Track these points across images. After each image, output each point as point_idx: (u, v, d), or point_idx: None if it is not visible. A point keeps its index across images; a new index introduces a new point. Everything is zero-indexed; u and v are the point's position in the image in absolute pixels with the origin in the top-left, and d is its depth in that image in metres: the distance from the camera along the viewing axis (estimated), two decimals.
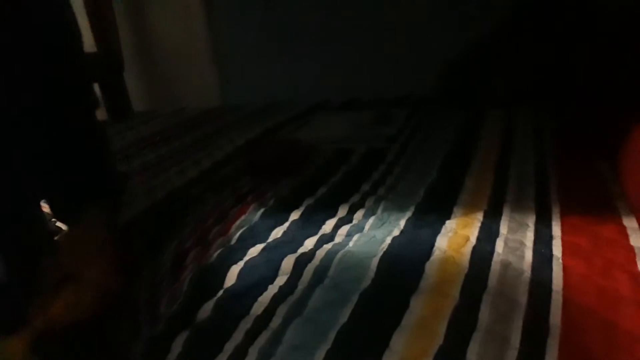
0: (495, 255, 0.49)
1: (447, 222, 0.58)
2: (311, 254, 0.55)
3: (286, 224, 0.64)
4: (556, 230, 0.54)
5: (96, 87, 1.56)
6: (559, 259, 0.48)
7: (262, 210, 0.69)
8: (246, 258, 0.57)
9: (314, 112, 1.32)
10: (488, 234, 0.54)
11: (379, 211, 0.65)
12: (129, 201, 0.81)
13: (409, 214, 0.62)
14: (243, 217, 0.68)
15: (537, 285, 0.43)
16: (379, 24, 1.50)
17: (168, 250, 0.65)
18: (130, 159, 1.07)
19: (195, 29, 1.72)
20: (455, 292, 0.43)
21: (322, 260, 0.53)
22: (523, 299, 0.42)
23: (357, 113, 1.22)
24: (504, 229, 0.55)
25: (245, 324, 0.46)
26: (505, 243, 0.52)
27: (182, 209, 0.74)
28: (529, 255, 0.49)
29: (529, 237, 0.53)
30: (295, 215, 0.67)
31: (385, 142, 0.96)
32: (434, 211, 0.62)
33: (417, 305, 0.42)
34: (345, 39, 1.55)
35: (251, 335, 0.44)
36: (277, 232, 0.62)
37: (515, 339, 0.37)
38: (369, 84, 1.53)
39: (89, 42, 1.59)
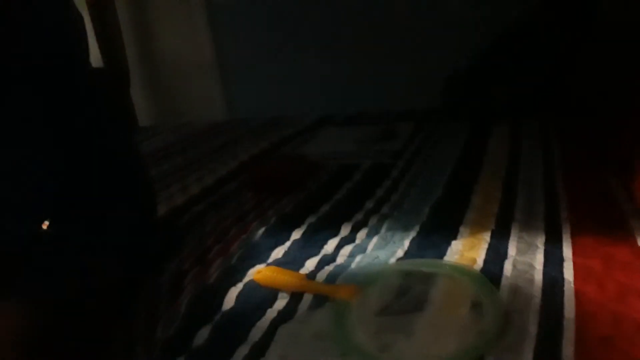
0: (503, 279, 0.47)
1: (453, 242, 0.56)
2: (312, 275, 0.53)
3: (287, 244, 0.63)
4: (567, 251, 0.52)
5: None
6: (570, 283, 0.45)
7: (263, 228, 0.68)
8: (245, 280, 0.55)
9: (319, 127, 1.31)
10: (496, 256, 0.52)
11: (383, 230, 0.63)
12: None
13: (413, 233, 0.60)
14: (244, 236, 0.67)
15: (548, 313, 0.41)
16: (383, 38, 1.50)
17: (167, 270, 0.63)
18: None
19: (200, 43, 1.72)
20: None
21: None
22: (533, 328, 0.40)
23: (362, 128, 1.21)
24: (512, 250, 0.53)
25: (242, 351, 0.44)
26: (514, 266, 0.49)
27: (184, 227, 0.73)
28: (538, 278, 0.47)
29: (539, 259, 0.50)
30: (296, 235, 0.65)
31: (390, 157, 0.95)
32: (439, 231, 0.60)
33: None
34: (351, 52, 1.55)
35: None
36: (278, 252, 0.61)
37: None
38: (374, 97, 1.53)
39: (96, 57, 1.61)
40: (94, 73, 1.53)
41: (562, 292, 0.44)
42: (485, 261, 0.51)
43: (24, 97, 0.48)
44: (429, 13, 1.43)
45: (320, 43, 1.58)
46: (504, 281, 0.47)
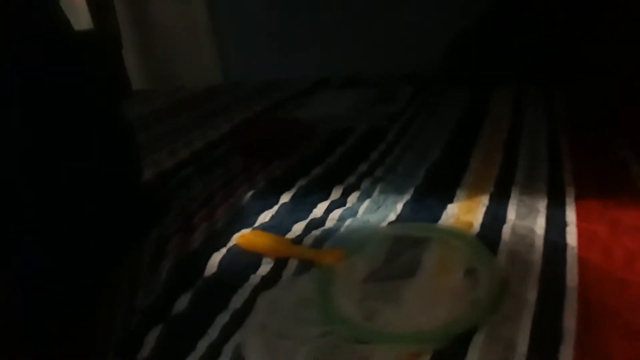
0: (501, 244, 0.44)
1: (449, 206, 0.53)
2: (298, 240, 0.51)
3: (275, 207, 0.60)
4: (571, 215, 0.48)
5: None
6: (574, 249, 0.42)
7: (251, 192, 0.65)
8: (230, 244, 0.53)
9: (315, 90, 1.26)
10: (494, 220, 0.49)
11: (375, 194, 0.59)
12: None
13: (407, 197, 0.57)
14: (231, 200, 0.64)
15: (549, 281, 0.38)
16: (384, 1, 1.43)
17: (151, 236, 0.61)
18: None
19: (194, 6, 1.66)
20: None
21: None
22: (532, 296, 0.37)
23: (359, 91, 1.16)
24: (511, 214, 0.50)
25: (222, 319, 0.42)
26: (513, 230, 0.46)
27: (170, 192, 0.70)
28: (539, 244, 0.43)
29: (540, 223, 0.47)
30: (285, 198, 0.62)
31: (387, 120, 0.91)
32: (434, 194, 0.57)
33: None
34: (348, 14, 1.49)
35: (227, 332, 0.40)
36: (265, 216, 0.58)
37: (523, 344, 0.32)
38: (373, 61, 1.47)
39: (86, 20, 1.55)
40: (81, 34, 1.49)
41: (564, 258, 0.41)
42: (483, 225, 0.48)
43: None
44: None
45: (316, 6, 1.51)
46: (501, 246, 0.44)
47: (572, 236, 0.45)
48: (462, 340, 0.33)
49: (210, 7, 1.65)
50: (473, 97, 0.99)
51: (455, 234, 0.45)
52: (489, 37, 1.12)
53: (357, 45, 1.50)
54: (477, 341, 0.33)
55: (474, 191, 0.56)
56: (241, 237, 0.51)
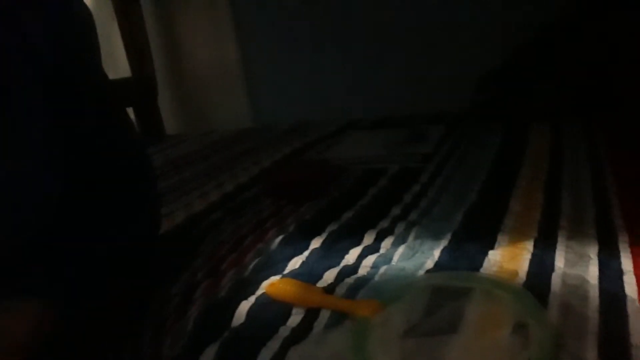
0: (551, 296, 0.40)
1: (490, 253, 0.50)
2: (330, 289, 0.48)
3: (305, 253, 0.58)
4: (626, 263, 0.45)
5: (131, 111, 1.58)
6: (634, 301, 0.38)
7: (281, 237, 0.63)
8: (258, 293, 0.51)
9: (345, 131, 1.26)
10: (541, 269, 0.45)
11: (410, 239, 0.57)
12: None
13: (444, 242, 0.54)
14: (260, 245, 0.62)
15: (609, 339, 0.34)
16: (412, 40, 1.44)
17: (179, 281, 0.59)
18: None
19: (226, 51, 1.72)
20: None
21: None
22: (591, 356, 0.33)
23: (389, 131, 1.15)
24: (560, 261, 0.46)
25: None
26: (563, 280, 0.43)
27: (200, 236, 0.69)
28: (594, 295, 0.40)
29: (593, 272, 0.43)
30: (316, 243, 0.60)
31: (420, 161, 0.89)
32: (474, 240, 0.53)
33: None
34: (378, 56, 1.50)
35: None
36: (295, 263, 0.56)
37: None
38: (403, 102, 1.47)
39: (124, 67, 1.62)
40: (119, 82, 1.55)
41: (624, 312, 0.37)
42: (529, 274, 0.44)
43: (24, 95, 0.45)
44: (459, 11, 1.36)
45: (346, 47, 1.54)
46: (552, 298, 0.40)
47: (630, 286, 0.41)
48: None
49: (242, 53, 1.70)
50: (508, 135, 0.96)
51: (501, 285, 0.41)
52: (522, 72, 1.10)
53: (386, 86, 1.51)
54: None
55: (517, 236, 0.53)
56: (270, 285, 0.49)
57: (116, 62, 1.68)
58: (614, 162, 0.73)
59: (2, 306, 0.42)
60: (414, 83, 1.45)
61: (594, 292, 0.40)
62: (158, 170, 1.13)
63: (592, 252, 0.47)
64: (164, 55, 1.79)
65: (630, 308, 0.38)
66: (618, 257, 0.46)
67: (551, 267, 0.45)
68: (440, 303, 0.40)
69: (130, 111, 1.59)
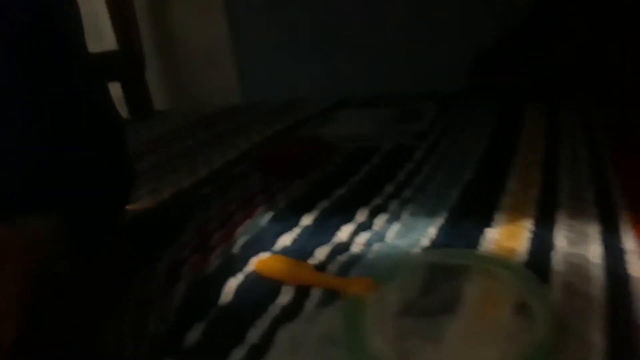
0: (553, 275, 0.39)
1: (488, 230, 0.48)
2: (322, 266, 0.46)
3: (296, 230, 0.55)
4: (628, 242, 0.43)
5: (118, 86, 1.53)
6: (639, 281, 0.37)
7: (270, 213, 0.61)
8: (247, 270, 0.49)
9: (337, 109, 1.23)
10: (541, 247, 0.43)
11: (405, 216, 0.55)
12: (132, 201, 0.75)
13: (440, 220, 0.52)
14: (249, 221, 0.60)
15: (617, 320, 0.33)
16: (405, 17, 1.40)
17: (164, 257, 0.57)
18: (140, 158, 1.00)
19: (216, 27, 1.67)
20: None
21: None
22: (598, 338, 0.31)
23: (382, 109, 1.13)
24: (560, 240, 0.45)
25: (238, 354, 0.37)
26: (565, 259, 0.41)
27: (186, 211, 0.67)
28: (598, 275, 0.38)
29: (595, 251, 0.42)
30: (307, 220, 0.58)
31: (414, 138, 0.86)
32: (471, 217, 0.52)
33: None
34: (370, 33, 1.47)
35: None
36: (286, 239, 0.54)
37: None
38: (396, 80, 1.44)
39: (110, 41, 1.57)
40: (105, 55, 1.50)
41: (630, 292, 0.36)
42: (529, 252, 0.43)
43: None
44: None
45: (339, 24, 1.50)
46: (553, 277, 0.38)
47: (634, 266, 0.39)
48: None
49: (232, 28, 1.65)
50: (503, 114, 0.94)
51: (500, 263, 0.40)
52: (517, 51, 1.08)
53: (378, 65, 1.48)
54: None
55: (515, 214, 0.51)
56: (260, 262, 0.47)
57: (101, 34, 1.62)
58: (612, 141, 0.71)
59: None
60: (407, 61, 1.42)
61: (597, 272, 0.39)
62: (145, 146, 1.10)
63: (594, 231, 0.46)
64: (152, 28, 1.73)
65: (636, 288, 0.36)
66: (620, 237, 0.44)
67: (551, 246, 0.44)
68: (437, 281, 0.38)
69: (117, 85, 1.54)
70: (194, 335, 0.41)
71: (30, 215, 0.43)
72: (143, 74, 1.61)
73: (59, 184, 0.48)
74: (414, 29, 1.40)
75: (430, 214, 0.54)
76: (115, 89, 1.53)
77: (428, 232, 0.50)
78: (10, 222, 0.38)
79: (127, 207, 0.73)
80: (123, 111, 1.56)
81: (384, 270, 0.41)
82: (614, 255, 0.41)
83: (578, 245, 0.43)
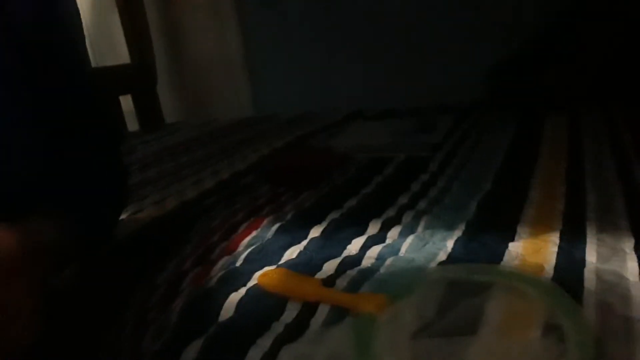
0: (586, 293, 0.35)
1: (511, 245, 0.44)
2: (330, 281, 0.43)
3: (304, 242, 0.52)
4: None
5: (129, 99, 1.54)
6: None
7: (277, 224, 0.58)
8: (250, 284, 0.45)
9: (349, 121, 1.21)
10: (570, 263, 0.40)
11: (420, 229, 0.51)
12: (135, 212, 0.73)
13: (458, 233, 0.49)
14: (254, 233, 0.57)
15: None
16: (419, 29, 1.38)
17: (165, 270, 0.54)
18: (146, 167, 0.99)
19: (228, 40, 1.67)
20: None
21: None
22: None
23: (395, 121, 1.10)
24: (591, 256, 0.41)
25: None
26: (598, 276, 0.37)
27: (190, 222, 0.64)
28: (637, 294, 0.34)
29: (632, 268, 0.38)
30: (315, 232, 0.55)
31: (428, 150, 0.83)
32: (491, 231, 0.48)
33: None
34: (384, 46, 1.45)
35: None
36: (292, 252, 0.51)
37: None
38: (410, 93, 1.41)
39: (123, 54, 1.57)
40: (118, 69, 1.51)
41: None
42: (557, 269, 0.39)
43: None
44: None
45: (351, 37, 1.48)
46: (586, 296, 0.35)
47: None
48: None
49: (245, 41, 1.65)
50: (522, 124, 0.91)
51: (527, 279, 0.36)
52: (537, 61, 1.04)
53: (392, 77, 1.45)
54: None
55: (539, 227, 0.47)
56: (263, 275, 0.44)
57: (115, 48, 1.63)
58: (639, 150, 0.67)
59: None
60: (422, 73, 1.39)
61: (635, 291, 0.35)
62: (153, 157, 1.09)
63: (628, 246, 0.42)
64: (165, 42, 1.74)
65: None
66: None
67: (582, 262, 0.40)
68: (457, 299, 0.34)
69: (128, 98, 1.54)
70: (191, 352, 0.38)
71: (33, 216, 0.41)
72: (154, 87, 1.62)
73: (57, 184, 0.46)
74: (428, 41, 1.38)
75: (448, 226, 0.51)
76: (126, 101, 1.53)
77: (445, 245, 0.46)
78: (16, 224, 0.36)
79: (132, 216, 0.71)
80: (134, 123, 1.56)
81: (398, 286, 0.37)
82: None
83: (611, 261, 0.39)
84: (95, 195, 0.52)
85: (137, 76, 1.57)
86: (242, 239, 0.56)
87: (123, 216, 0.69)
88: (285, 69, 1.62)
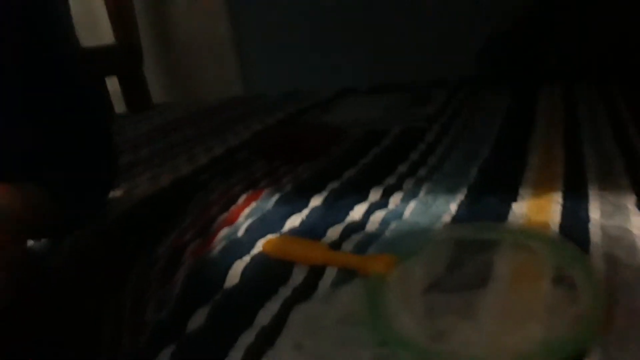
0: (592, 246, 0.35)
1: (514, 205, 0.44)
2: (336, 246, 0.43)
3: (305, 211, 0.52)
4: None
5: (115, 80, 1.50)
6: None
7: (277, 196, 0.57)
8: (254, 252, 0.45)
9: (342, 97, 1.20)
10: (575, 220, 0.40)
11: (422, 194, 0.51)
12: (130, 189, 0.71)
13: (460, 197, 0.49)
14: (254, 204, 0.56)
15: None
16: (410, 6, 1.37)
17: (165, 243, 0.54)
18: (138, 147, 0.97)
19: (215, 17, 1.63)
20: None
21: None
22: None
23: (389, 96, 1.09)
24: (595, 212, 0.41)
25: (247, 338, 0.34)
26: (603, 231, 0.37)
27: (187, 196, 0.64)
28: None
29: (636, 222, 0.38)
30: (316, 201, 0.54)
31: (424, 121, 0.83)
32: (493, 193, 0.48)
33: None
34: (374, 21, 1.43)
35: (253, 354, 0.32)
36: (294, 221, 0.50)
37: None
38: (402, 71, 1.40)
39: (107, 35, 1.53)
40: (102, 49, 1.47)
41: None
42: (562, 226, 0.39)
43: None
44: None
45: (342, 14, 1.46)
46: (593, 250, 0.35)
47: None
48: None
49: (233, 19, 1.62)
50: (517, 96, 0.91)
51: (534, 234, 0.36)
52: (529, 35, 1.04)
53: (382, 54, 1.44)
54: None
55: (541, 189, 0.47)
56: (267, 242, 0.44)
57: (99, 29, 1.59)
58: (636, 116, 0.68)
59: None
60: (414, 49, 1.38)
61: None
62: (144, 136, 1.07)
63: (630, 202, 0.42)
64: (150, 21, 1.70)
65: None
66: None
67: (586, 219, 0.40)
68: (465, 257, 0.34)
69: (114, 80, 1.51)
70: (197, 320, 0.37)
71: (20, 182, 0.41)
72: (140, 68, 1.58)
73: (44, 158, 0.45)
74: (419, 18, 1.37)
75: (450, 191, 0.51)
76: (112, 83, 1.50)
77: (449, 208, 0.46)
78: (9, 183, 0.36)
79: (127, 193, 0.70)
80: (120, 105, 1.53)
81: (405, 247, 0.37)
82: None
83: (615, 217, 0.40)
84: (84, 169, 0.51)
85: (123, 57, 1.54)
86: (242, 210, 0.56)
87: (117, 193, 0.68)
88: (274, 47, 1.60)
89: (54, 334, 0.42)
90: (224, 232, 0.51)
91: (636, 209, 0.41)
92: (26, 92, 0.45)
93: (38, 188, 0.42)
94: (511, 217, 0.42)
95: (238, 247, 0.47)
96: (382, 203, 0.51)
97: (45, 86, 0.47)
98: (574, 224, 0.39)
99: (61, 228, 0.50)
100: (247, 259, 0.44)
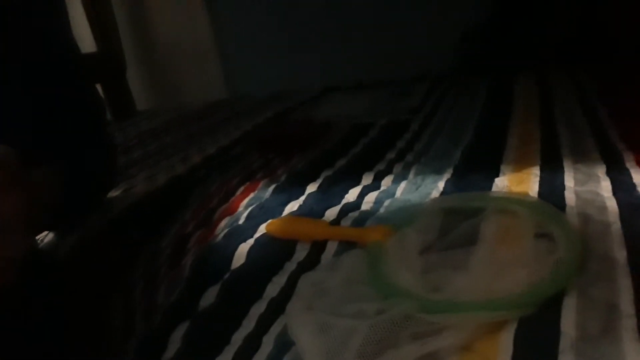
0: (568, 209, 0.39)
1: (497, 179, 0.48)
2: (335, 224, 0.46)
3: (302, 197, 0.55)
4: (637, 177, 0.44)
5: (99, 88, 1.51)
6: None
7: (273, 185, 0.60)
8: (257, 235, 0.48)
9: (326, 95, 1.23)
10: (552, 188, 0.44)
11: (411, 176, 0.55)
12: (128, 188, 0.73)
13: (447, 175, 0.52)
14: (252, 195, 0.59)
15: (636, 237, 0.33)
16: (388, 3, 1.41)
17: (168, 234, 0.56)
18: (130, 150, 0.99)
19: (196, 22, 1.65)
20: None
21: None
22: (621, 255, 0.32)
23: (372, 91, 1.13)
24: (569, 181, 0.45)
25: (258, 309, 0.37)
26: (577, 195, 0.41)
27: (185, 192, 0.66)
28: (612, 205, 0.38)
29: (606, 187, 0.42)
30: (312, 188, 0.57)
31: (408, 113, 0.87)
32: (477, 171, 0.52)
33: None
34: (353, 20, 1.46)
35: (265, 322, 0.35)
36: (292, 206, 0.53)
37: (627, 304, 0.27)
38: (383, 67, 1.44)
39: (89, 43, 1.54)
40: (84, 58, 1.48)
41: None
42: (541, 194, 0.43)
43: None
44: None
45: (322, 14, 1.49)
46: (569, 211, 0.39)
47: None
48: (551, 305, 0.28)
49: (214, 24, 1.64)
50: (494, 85, 0.95)
51: (516, 200, 0.40)
52: (504, 25, 1.09)
53: (363, 52, 1.48)
54: (570, 304, 0.28)
55: (521, 165, 0.51)
56: (270, 224, 0.47)
57: (80, 37, 1.59)
58: (604, 97, 0.72)
59: None
60: (393, 45, 1.42)
61: (611, 203, 0.39)
62: (134, 140, 1.08)
63: (601, 171, 0.46)
64: (131, 27, 1.71)
65: None
66: (628, 174, 0.45)
67: (562, 186, 0.44)
68: (455, 223, 0.38)
69: (98, 87, 1.52)
70: (208, 297, 0.40)
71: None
72: (124, 75, 1.59)
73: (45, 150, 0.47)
74: (397, 12, 1.41)
75: (436, 171, 0.54)
76: None
77: (437, 186, 0.50)
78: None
79: (124, 192, 0.72)
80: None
81: (400, 218, 0.40)
82: (625, 189, 0.41)
83: (588, 184, 0.44)
84: (83, 164, 0.52)
85: (105, 64, 1.54)
86: (241, 200, 0.58)
87: (116, 193, 0.70)
88: (256, 50, 1.62)
89: (63, 320, 0.43)
90: (226, 221, 0.54)
91: (606, 176, 0.45)
92: (27, 88, 0.47)
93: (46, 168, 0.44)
94: (494, 189, 0.46)
95: (241, 232, 0.49)
96: (375, 185, 0.54)
97: (47, 82, 0.48)
98: (551, 191, 0.43)
99: (59, 221, 0.51)
100: (251, 241, 0.47)
